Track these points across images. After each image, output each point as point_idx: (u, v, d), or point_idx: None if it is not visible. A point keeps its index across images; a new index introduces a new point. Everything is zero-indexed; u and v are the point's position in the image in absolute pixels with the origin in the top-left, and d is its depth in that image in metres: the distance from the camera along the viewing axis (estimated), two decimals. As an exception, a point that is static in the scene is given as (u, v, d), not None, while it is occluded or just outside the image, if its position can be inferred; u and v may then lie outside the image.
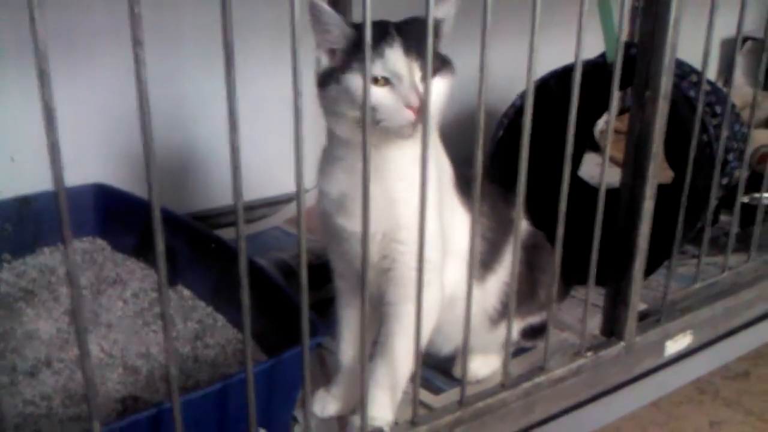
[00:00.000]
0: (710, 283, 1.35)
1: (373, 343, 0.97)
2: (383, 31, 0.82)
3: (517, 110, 1.50)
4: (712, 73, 2.49)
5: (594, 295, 1.08)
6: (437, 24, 0.85)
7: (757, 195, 1.52)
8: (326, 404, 1.02)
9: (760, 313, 1.42)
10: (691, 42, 1.17)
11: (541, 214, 1.10)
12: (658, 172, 1.07)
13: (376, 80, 0.82)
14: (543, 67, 1.38)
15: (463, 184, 0.97)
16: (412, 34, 0.83)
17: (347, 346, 1.02)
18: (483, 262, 1.00)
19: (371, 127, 0.76)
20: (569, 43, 0.92)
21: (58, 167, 0.57)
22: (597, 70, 1.30)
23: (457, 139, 0.98)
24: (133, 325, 1.14)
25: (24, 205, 1.33)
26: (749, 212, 1.47)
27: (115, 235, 1.40)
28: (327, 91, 0.85)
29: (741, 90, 2.07)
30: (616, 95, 0.98)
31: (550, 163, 1.09)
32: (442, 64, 0.86)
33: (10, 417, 0.92)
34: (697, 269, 1.31)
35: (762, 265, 1.43)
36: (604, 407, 1.19)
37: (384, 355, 0.94)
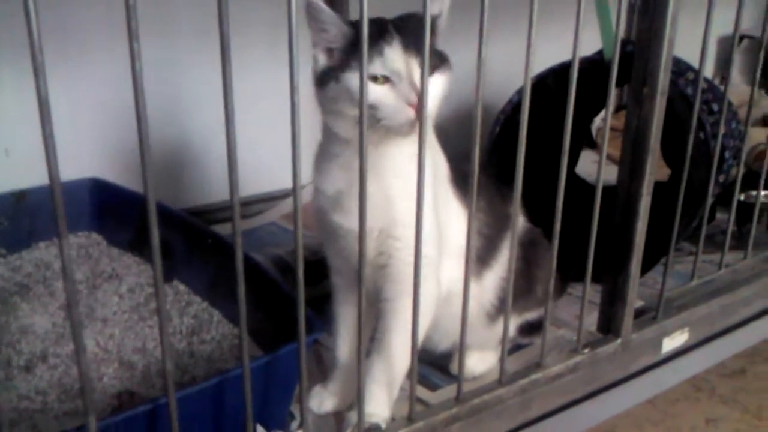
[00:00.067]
0: (707, 280, 1.35)
1: (370, 339, 0.97)
2: (381, 29, 0.82)
3: (514, 107, 1.50)
4: (708, 71, 2.49)
5: (591, 292, 1.08)
6: (433, 20, 0.85)
7: (753, 192, 1.53)
8: (323, 400, 1.02)
9: (757, 311, 1.42)
10: (688, 40, 1.17)
11: (537, 211, 1.10)
12: (655, 169, 1.07)
13: (375, 79, 0.81)
14: (540, 64, 1.37)
15: (460, 180, 0.97)
16: (410, 30, 0.82)
17: (344, 343, 1.02)
18: (480, 257, 1.00)
19: (370, 126, 0.75)
20: (566, 40, 0.92)
21: (53, 160, 0.56)
22: (594, 67, 1.30)
23: (454, 135, 0.98)
24: (129, 320, 1.14)
25: (19, 199, 1.32)
26: (746, 210, 1.48)
27: (111, 229, 1.39)
28: (326, 90, 0.85)
29: (738, 88, 2.07)
30: (612, 92, 0.98)
31: (547, 160, 1.09)
32: (440, 61, 0.86)
33: (6, 412, 0.92)
34: (693, 266, 1.32)
35: (759, 263, 1.44)
36: (600, 404, 1.19)
37: (381, 352, 0.94)
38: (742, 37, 2.28)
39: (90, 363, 1.02)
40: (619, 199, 1.11)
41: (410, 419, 0.92)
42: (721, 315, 1.34)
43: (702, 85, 1.18)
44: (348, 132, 0.86)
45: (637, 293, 1.14)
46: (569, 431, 1.17)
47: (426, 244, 0.84)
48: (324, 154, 0.92)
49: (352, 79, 0.81)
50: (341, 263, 0.98)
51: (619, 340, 1.15)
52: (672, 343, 1.24)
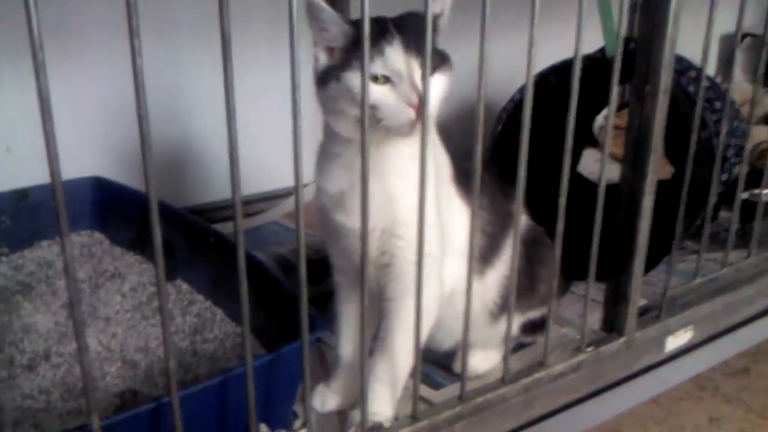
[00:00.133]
0: (710, 278, 1.34)
1: (373, 338, 0.97)
2: (382, 29, 0.82)
3: (516, 105, 1.49)
4: (711, 69, 2.49)
5: (594, 290, 1.08)
6: (434, 19, 0.84)
7: (756, 191, 1.52)
8: (326, 399, 1.02)
9: (760, 309, 1.42)
10: (690, 38, 1.17)
11: (540, 209, 1.10)
12: (657, 167, 1.07)
13: (376, 78, 0.81)
14: (542, 62, 1.37)
15: (462, 179, 0.97)
16: (411, 30, 0.82)
17: (347, 341, 1.02)
18: (482, 256, 1.00)
19: (371, 126, 0.75)
20: (568, 38, 0.91)
21: (54, 158, 0.56)
22: (596, 65, 1.29)
23: (456, 133, 0.97)
24: (132, 319, 1.14)
25: (21, 197, 1.32)
26: (749, 208, 1.47)
27: (114, 228, 1.39)
28: (326, 90, 0.85)
29: (740, 86, 2.07)
30: (615, 90, 0.98)
31: (549, 159, 1.09)
32: (441, 60, 0.85)
33: (9, 411, 0.92)
34: (697, 265, 1.31)
35: (762, 261, 1.43)
36: (603, 403, 1.18)
37: (384, 351, 0.94)
38: (744, 35, 2.28)
39: (93, 362, 1.02)
40: (622, 197, 1.11)
41: (414, 418, 0.92)
42: (724, 313, 1.33)
43: (704, 83, 1.17)
44: (349, 131, 0.86)
45: (640, 292, 1.14)
46: (573, 430, 1.17)
47: (428, 242, 0.84)
48: (326, 154, 0.92)
49: (353, 78, 0.81)
50: (344, 262, 0.97)
51: (622, 339, 1.15)
52: (676, 341, 1.24)
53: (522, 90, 1.46)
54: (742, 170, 1.33)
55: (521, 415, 1.05)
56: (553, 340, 1.06)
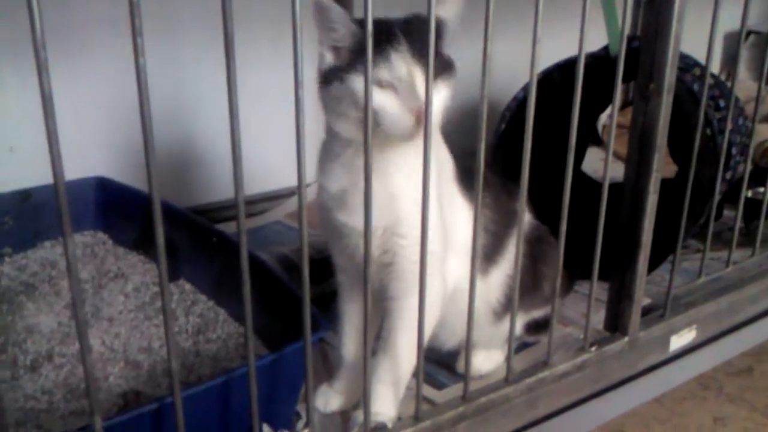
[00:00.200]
0: (714, 277, 1.34)
1: (376, 338, 0.97)
2: (389, 33, 0.81)
3: (519, 103, 1.49)
4: (715, 67, 2.48)
5: (597, 289, 1.07)
6: (441, 24, 0.84)
7: (761, 189, 1.52)
8: (329, 399, 1.02)
9: (765, 308, 1.42)
10: (694, 35, 1.17)
11: (543, 208, 1.10)
12: (662, 166, 1.07)
13: (379, 83, 0.81)
14: (546, 60, 1.37)
15: (464, 177, 0.97)
16: (418, 35, 0.81)
17: (349, 341, 1.01)
18: (486, 254, 1.00)
19: (373, 129, 0.75)
20: (572, 36, 0.91)
21: (57, 158, 0.56)
22: (600, 63, 1.29)
23: (460, 131, 0.97)
24: (135, 319, 1.14)
25: (24, 198, 1.32)
26: (753, 207, 1.47)
27: (116, 228, 1.39)
28: (330, 90, 0.84)
29: (744, 84, 2.06)
30: (619, 88, 0.98)
31: (553, 157, 1.09)
32: (445, 67, 0.85)
33: (12, 411, 0.92)
34: (701, 264, 1.31)
35: (766, 260, 1.43)
36: (607, 403, 1.18)
37: (386, 350, 0.94)
38: (748, 33, 2.27)
39: (96, 362, 1.02)
40: (626, 196, 1.10)
41: (417, 418, 0.92)
42: (728, 312, 1.33)
43: (709, 81, 1.17)
44: (350, 133, 0.85)
45: (644, 291, 1.14)
46: (576, 430, 1.17)
47: (431, 241, 0.84)
48: (327, 153, 0.92)
49: (356, 81, 0.80)
50: (346, 261, 0.97)
51: (626, 338, 1.14)
52: (679, 341, 1.24)
53: (525, 88, 1.46)
54: (746, 168, 1.33)
55: (525, 415, 1.05)
56: (556, 339, 1.06)
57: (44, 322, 1.11)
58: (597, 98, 1.34)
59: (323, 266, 1.02)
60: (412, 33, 0.81)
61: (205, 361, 1.05)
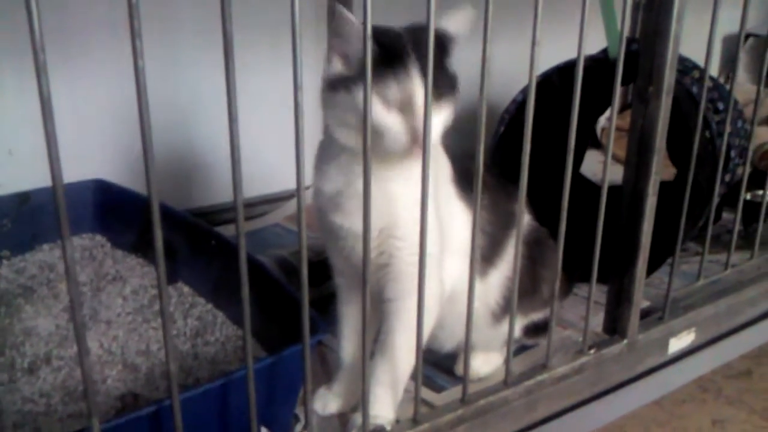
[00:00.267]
0: (713, 280, 1.34)
1: (375, 340, 0.97)
2: (401, 51, 0.80)
3: (518, 105, 1.49)
4: (714, 70, 2.48)
5: (596, 292, 1.07)
6: (449, 40, 0.84)
7: (759, 192, 1.52)
8: (327, 402, 1.01)
9: (763, 311, 1.42)
10: (693, 38, 1.17)
11: (542, 211, 1.10)
12: (661, 168, 1.07)
13: (386, 102, 0.80)
14: (545, 62, 1.37)
15: (461, 179, 0.96)
16: (427, 53, 0.78)
17: (348, 344, 1.01)
18: (484, 256, 1.00)
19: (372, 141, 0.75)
20: (571, 39, 0.91)
21: (56, 161, 0.56)
22: (599, 65, 1.29)
23: (459, 134, 0.97)
24: (133, 322, 1.14)
25: (23, 201, 1.32)
26: (752, 209, 1.47)
27: (115, 231, 1.39)
28: (335, 97, 0.83)
29: (743, 87, 2.06)
30: (618, 90, 0.98)
31: (552, 160, 1.09)
32: (450, 88, 0.84)
33: (9, 414, 0.92)
34: (700, 266, 1.31)
35: (765, 263, 1.43)
36: (606, 406, 1.18)
37: (384, 352, 0.94)
38: (747, 36, 2.28)
39: (94, 365, 1.02)
40: (624, 198, 1.10)
41: (415, 421, 0.92)
42: (727, 315, 1.33)
43: (707, 83, 1.17)
44: (349, 141, 0.85)
45: (643, 293, 1.14)
46: (575, 433, 1.17)
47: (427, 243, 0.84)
48: (324, 155, 0.92)
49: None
50: (343, 264, 0.97)
51: (625, 341, 1.14)
52: (678, 343, 1.24)
53: (524, 91, 1.46)
54: (745, 171, 1.33)
55: (523, 417, 1.05)
56: (555, 342, 1.06)
57: (42, 324, 1.11)
58: (596, 101, 1.34)
59: (322, 269, 1.01)
60: (422, 49, 0.79)
61: (203, 364, 1.05)
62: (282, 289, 1.04)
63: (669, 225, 1.18)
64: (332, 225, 0.92)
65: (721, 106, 1.37)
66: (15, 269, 1.28)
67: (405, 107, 0.80)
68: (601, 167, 1.01)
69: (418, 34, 0.81)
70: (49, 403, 0.94)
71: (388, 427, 0.91)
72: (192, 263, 1.23)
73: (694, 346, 1.28)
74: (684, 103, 1.29)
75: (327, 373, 1.09)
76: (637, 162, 1.07)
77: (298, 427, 0.97)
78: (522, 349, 1.17)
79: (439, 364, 1.13)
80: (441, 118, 0.83)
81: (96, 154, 1.49)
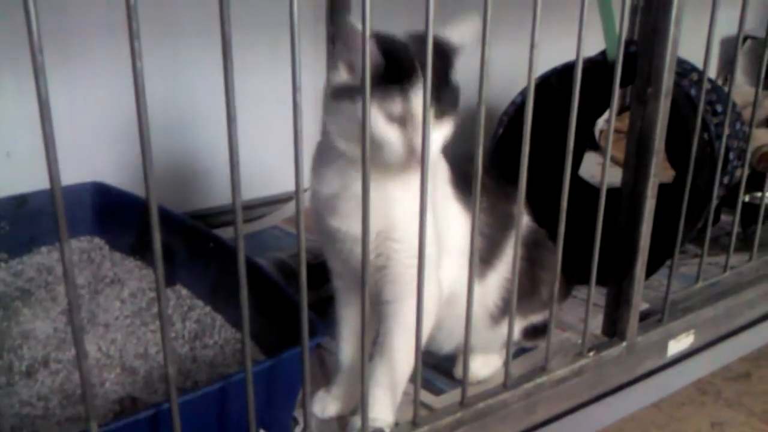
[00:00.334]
0: (712, 282, 1.34)
1: (374, 343, 0.97)
2: (408, 65, 0.79)
3: (517, 107, 1.49)
4: (712, 72, 2.49)
5: (595, 294, 1.07)
6: (454, 51, 0.84)
7: (758, 194, 1.52)
8: (326, 405, 1.01)
9: (762, 313, 1.42)
10: (691, 40, 1.17)
11: (541, 213, 1.10)
12: (659, 170, 1.07)
13: (390, 117, 0.80)
14: (543, 65, 1.37)
15: (459, 181, 0.96)
16: (433, 69, 0.77)
17: (347, 346, 1.01)
18: (482, 258, 0.99)
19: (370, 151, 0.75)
20: (569, 41, 0.91)
21: (54, 163, 0.56)
22: (597, 67, 1.29)
23: (457, 136, 0.97)
24: (131, 325, 1.13)
25: (21, 203, 1.32)
26: (751, 211, 1.47)
27: (113, 234, 1.39)
28: (338, 106, 0.83)
29: (741, 89, 2.07)
30: (616, 92, 0.98)
31: (550, 162, 1.09)
32: (452, 103, 0.84)
33: (7, 418, 0.91)
34: (698, 269, 1.31)
35: (764, 265, 1.43)
36: (605, 408, 1.18)
37: (383, 354, 0.94)
38: (745, 38, 2.28)
39: (92, 368, 1.02)
40: (623, 201, 1.10)
41: (414, 423, 0.92)
42: (726, 317, 1.33)
43: (706, 85, 1.17)
44: (348, 149, 0.85)
45: (642, 296, 1.14)
46: (574, 435, 1.17)
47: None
48: (321, 157, 0.91)
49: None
50: (341, 266, 0.97)
51: (624, 343, 1.14)
52: (677, 346, 1.24)
53: (523, 93, 1.46)
54: (743, 173, 1.33)
55: (523, 420, 1.05)
56: (554, 344, 1.06)
57: (40, 327, 1.11)
58: (594, 103, 1.34)
59: (320, 271, 1.01)
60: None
61: (201, 367, 1.04)
62: (281, 292, 1.03)
63: (668, 227, 1.17)
64: (329, 228, 0.91)
65: (719, 108, 1.37)
66: (13, 272, 1.27)
67: (407, 121, 0.80)
68: (599, 169, 1.01)
69: (424, 45, 0.80)
70: (47, 407, 0.94)
71: (387, 430, 0.91)
72: (190, 266, 1.22)
73: (693, 348, 1.28)
74: (682, 106, 1.29)
75: (326, 375, 1.09)
76: (635, 164, 1.07)
77: (297, 430, 0.97)
78: (521, 351, 1.17)
79: (438, 367, 1.13)
80: (441, 134, 0.84)
81: (94, 156, 1.49)
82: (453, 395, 1.06)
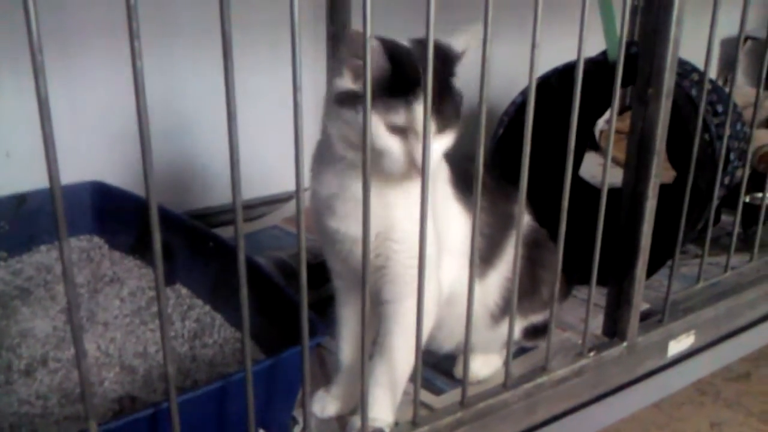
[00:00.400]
0: (713, 283, 1.34)
1: (374, 343, 0.97)
2: (412, 75, 0.78)
3: (518, 107, 1.49)
4: (712, 73, 2.49)
5: (596, 294, 1.07)
6: (457, 58, 0.84)
7: (759, 194, 1.52)
8: (326, 404, 1.01)
9: (763, 314, 1.42)
10: (692, 41, 1.16)
11: (542, 213, 1.09)
12: (660, 170, 1.06)
13: (392, 128, 0.80)
14: (544, 65, 1.37)
15: (459, 181, 0.96)
16: (437, 77, 0.77)
17: (347, 346, 1.01)
18: (482, 257, 0.99)
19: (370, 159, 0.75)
20: (570, 41, 0.91)
21: (53, 162, 0.56)
22: (598, 68, 1.29)
23: (458, 136, 0.97)
24: (130, 324, 1.13)
25: (20, 202, 1.32)
26: (751, 212, 1.47)
27: (113, 233, 1.39)
28: (341, 113, 0.83)
29: (742, 89, 2.07)
30: (617, 93, 0.98)
31: (550, 162, 1.08)
32: (455, 113, 0.84)
33: (6, 416, 0.91)
34: (699, 269, 1.31)
35: (764, 265, 1.43)
36: (606, 408, 1.18)
37: (383, 354, 0.94)
38: (746, 39, 2.28)
39: (91, 367, 1.02)
40: (624, 201, 1.10)
41: (414, 423, 0.91)
42: (726, 318, 1.33)
43: (707, 86, 1.17)
44: (348, 155, 0.84)
45: (642, 296, 1.14)
46: (574, 435, 1.17)
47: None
48: (321, 158, 0.91)
49: (372, 121, 0.77)
50: (341, 266, 0.97)
51: (624, 344, 1.14)
52: (678, 346, 1.24)
53: (524, 93, 1.46)
54: (744, 173, 1.33)
55: (523, 420, 1.05)
56: (554, 344, 1.06)
57: (39, 326, 1.11)
58: (594, 103, 1.34)
59: (320, 271, 1.01)
60: (433, 71, 0.77)
61: (201, 366, 1.04)
62: (280, 292, 1.03)
63: (668, 227, 1.17)
64: (328, 228, 0.91)
65: (720, 108, 1.36)
66: (12, 271, 1.27)
67: (409, 133, 0.80)
68: (600, 169, 1.01)
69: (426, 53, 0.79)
70: (45, 405, 0.94)
71: (387, 430, 0.91)
72: (190, 265, 1.22)
73: (694, 348, 1.28)
74: (683, 106, 1.28)
75: (325, 375, 1.09)
76: (636, 164, 1.07)
77: (297, 430, 0.97)
78: (521, 351, 1.17)
79: (438, 367, 1.13)
80: (442, 144, 0.84)
81: (94, 155, 1.49)
82: (453, 395, 1.06)
